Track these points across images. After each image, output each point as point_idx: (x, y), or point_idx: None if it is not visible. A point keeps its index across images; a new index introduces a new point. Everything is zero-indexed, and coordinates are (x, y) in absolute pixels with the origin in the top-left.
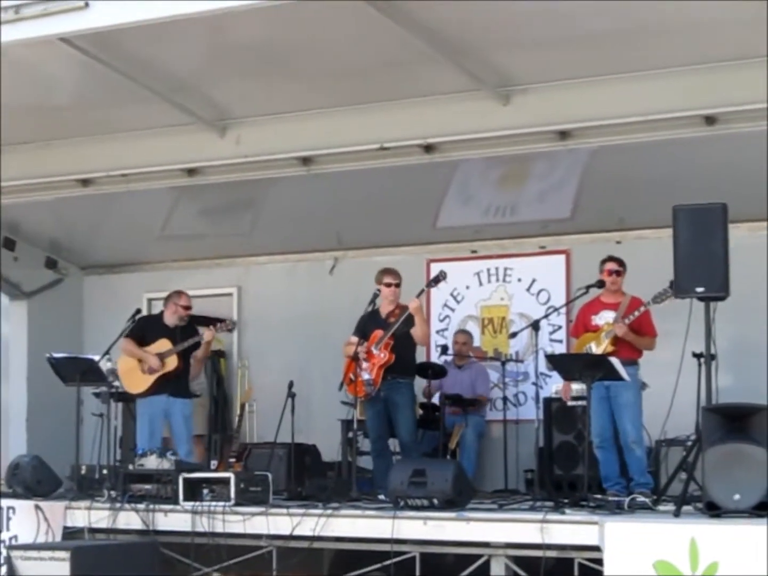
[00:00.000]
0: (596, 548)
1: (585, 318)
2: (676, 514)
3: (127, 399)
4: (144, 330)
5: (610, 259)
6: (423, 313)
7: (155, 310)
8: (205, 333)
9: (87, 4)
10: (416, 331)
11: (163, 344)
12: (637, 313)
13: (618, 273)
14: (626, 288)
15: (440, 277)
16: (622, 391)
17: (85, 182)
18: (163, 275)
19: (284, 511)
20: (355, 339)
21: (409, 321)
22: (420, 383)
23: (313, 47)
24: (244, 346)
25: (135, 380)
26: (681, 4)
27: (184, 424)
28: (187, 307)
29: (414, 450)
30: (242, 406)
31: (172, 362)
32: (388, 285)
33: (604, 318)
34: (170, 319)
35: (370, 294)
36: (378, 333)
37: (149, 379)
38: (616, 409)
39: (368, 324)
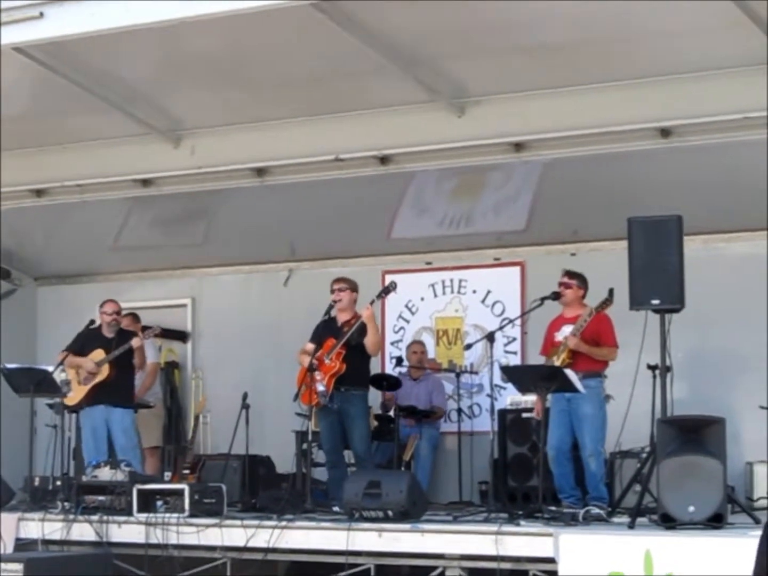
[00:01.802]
0: (551, 560)
1: (550, 335)
2: (631, 525)
3: (76, 408)
4: (82, 343)
5: (563, 273)
6: (375, 322)
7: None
8: (133, 340)
9: (41, 14)
10: (367, 340)
11: (98, 354)
12: (583, 323)
13: (567, 286)
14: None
15: (390, 288)
16: (582, 404)
17: (39, 192)
18: (116, 286)
19: (238, 522)
20: (310, 346)
21: (364, 331)
22: (376, 395)
23: (267, 58)
24: (198, 357)
25: (71, 392)
26: (637, 16)
27: (123, 435)
28: (113, 313)
29: (368, 461)
30: (196, 418)
31: (104, 370)
32: (333, 291)
33: (564, 333)
34: (105, 330)
35: (324, 305)
36: (331, 341)
37: (84, 390)
38: (575, 421)
39: (324, 332)
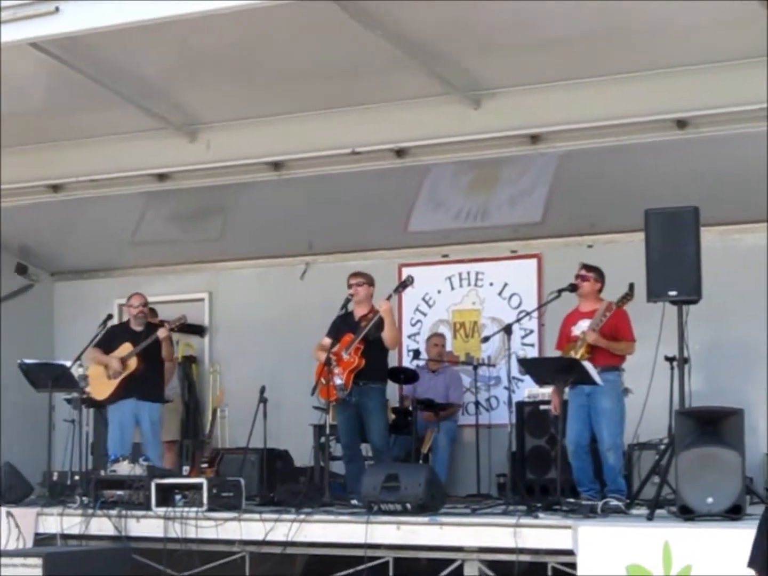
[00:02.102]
0: (569, 552)
1: (566, 330)
2: (650, 517)
3: (98, 405)
4: (111, 338)
5: (581, 265)
6: (393, 316)
7: (126, 316)
8: (159, 331)
9: (57, 9)
10: (385, 334)
11: (125, 348)
12: (603, 318)
13: (584, 278)
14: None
15: (407, 282)
16: (600, 398)
17: (56, 188)
18: (133, 281)
19: (257, 516)
20: (327, 341)
21: (381, 325)
22: (393, 388)
23: (283, 52)
24: (215, 351)
25: (101, 387)
26: (652, 7)
27: (150, 429)
28: (139, 306)
29: (386, 455)
30: (214, 412)
31: (132, 364)
32: (350, 286)
33: (581, 327)
34: (133, 323)
35: (341, 299)
36: (349, 336)
37: (113, 384)
38: (593, 415)
39: (341, 326)
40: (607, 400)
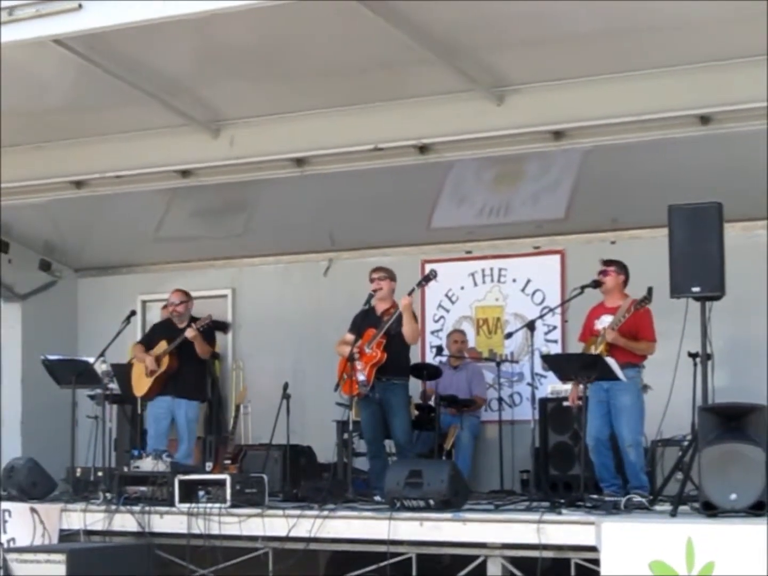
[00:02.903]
0: (593, 548)
1: (590, 323)
2: (673, 513)
3: (122, 401)
4: (152, 334)
5: (601, 262)
6: (411, 311)
7: (149, 312)
8: (187, 331)
9: (80, 6)
10: (405, 329)
11: (161, 346)
12: (623, 318)
13: (606, 273)
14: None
15: (430, 276)
16: (620, 394)
17: (79, 184)
18: (157, 277)
19: (280, 512)
20: (350, 337)
21: (402, 320)
22: (416, 385)
23: (306, 48)
24: (238, 347)
25: (140, 384)
26: (674, 3)
27: (185, 425)
28: (178, 303)
29: (409, 451)
30: (237, 408)
31: (165, 362)
32: (372, 280)
33: (604, 322)
34: (177, 320)
35: (364, 295)
36: (371, 331)
37: (149, 382)
38: (613, 411)
39: (363, 322)
40: (627, 396)
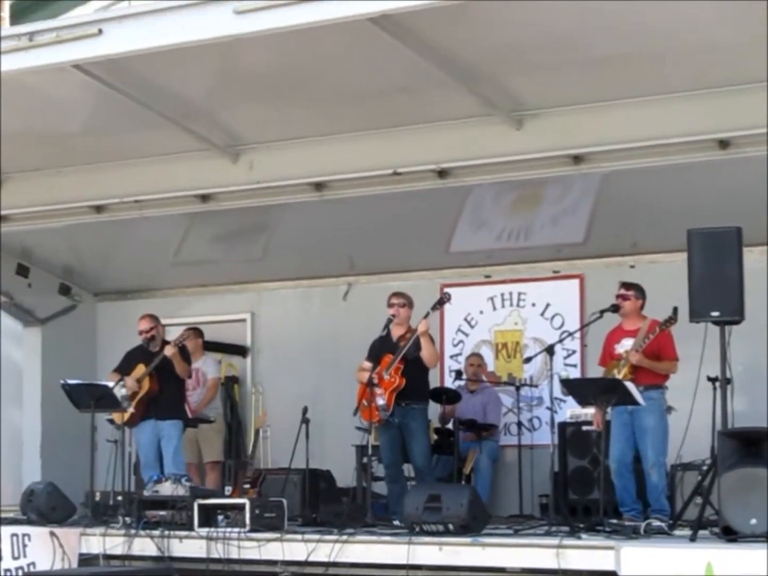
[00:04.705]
0: (612, 573)
1: (609, 347)
2: (692, 538)
3: (129, 424)
4: (128, 361)
5: (620, 285)
6: (429, 335)
7: (168, 336)
8: (165, 349)
9: (100, 31)
10: (423, 353)
11: (139, 369)
12: (647, 340)
13: (625, 297)
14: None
15: (444, 299)
16: (644, 416)
17: (99, 209)
18: (176, 301)
19: (299, 537)
20: (368, 364)
21: (420, 345)
22: (434, 408)
23: (325, 72)
24: (257, 371)
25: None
26: (694, 28)
27: (169, 447)
28: (148, 329)
29: (428, 475)
30: (256, 432)
31: (145, 385)
32: (391, 305)
33: (624, 346)
34: (149, 346)
35: (383, 319)
36: (388, 357)
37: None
38: (638, 433)
39: (380, 349)
40: (651, 417)
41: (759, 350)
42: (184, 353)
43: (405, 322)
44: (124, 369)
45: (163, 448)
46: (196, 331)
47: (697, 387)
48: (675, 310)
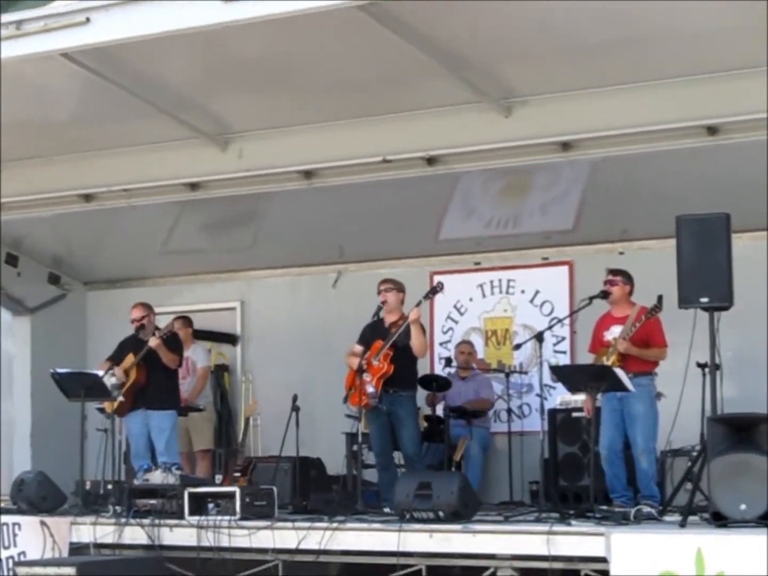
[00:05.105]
0: (603, 559)
1: (599, 334)
2: (682, 524)
3: (118, 414)
4: (120, 350)
5: (607, 271)
6: (420, 324)
7: (161, 325)
8: (150, 340)
9: (88, 19)
10: (413, 342)
11: (129, 359)
12: (634, 327)
13: (613, 283)
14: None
15: (437, 288)
16: (634, 402)
17: (87, 197)
18: (165, 290)
19: (290, 524)
20: (359, 348)
21: (410, 332)
22: (422, 394)
23: (314, 60)
24: (247, 360)
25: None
26: (682, 14)
27: (160, 437)
28: (140, 317)
29: (418, 463)
30: (246, 420)
31: (132, 375)
32: (380, 292)
33: (613, 333)
34: (140, 334)
35: (373, 307)
36: (378, 343)
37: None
38: (627, 419)
39: (372, 334)
40: (641, 404)
41: (748, 336)
42: (173, 343)
43: (397, 309)
44: (116, 358)
45: (153, 439)
46: (185, 319)
47: (687, 373)
48: (660, 298)
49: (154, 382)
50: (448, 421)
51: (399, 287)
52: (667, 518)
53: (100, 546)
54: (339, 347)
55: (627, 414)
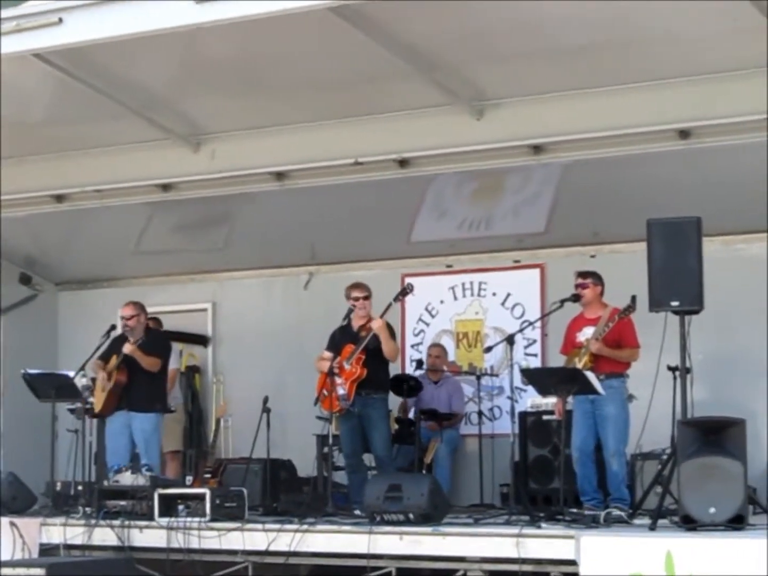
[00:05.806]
0: (572, 562)
1: (571, 335)
2: (652, 527)
3: (100, 415)
4: (111, 350)
5: (576, 275)
6: (387, 331)
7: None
8: (124, 347)
9: (61, 20)
10: (384, 348)
11: (113, 361)
12: (606, 328)
13: (584, 286)
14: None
15: (407, 290)
16: (605, 405)
17: (59, 198)
18: (137, 291)
19: (260, 526)
20: (328, 354)
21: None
22: (396, 400)
23: (286, 62)
24: (218, 361)
25: (99, 400)
26: (653, 18)
27: (142, 439)
28: (129, 317)
29: (389, 465)
30: (217, 422)
31: (114, 377)
32: (356, 299)
33: (586, 334)
34: (128, 335)
35: (344, 308)
36: (349, 348)
37: (103, 397)
38: (599, 422)
39: (341, 338)
40: (612, 406)
41: (719, 339)
42: (156, 346)
43: (366, 313)
44: (106, 357)
45: (136, 441)
46: (155, 320)
47: (657, 376)
48: (633, 298)
49: (136, 384)
50: (419, 424)
51: (370, 293)
52: (636, 521)
53: (69, 547)
54: (311, 349)
55: (598, 416)
